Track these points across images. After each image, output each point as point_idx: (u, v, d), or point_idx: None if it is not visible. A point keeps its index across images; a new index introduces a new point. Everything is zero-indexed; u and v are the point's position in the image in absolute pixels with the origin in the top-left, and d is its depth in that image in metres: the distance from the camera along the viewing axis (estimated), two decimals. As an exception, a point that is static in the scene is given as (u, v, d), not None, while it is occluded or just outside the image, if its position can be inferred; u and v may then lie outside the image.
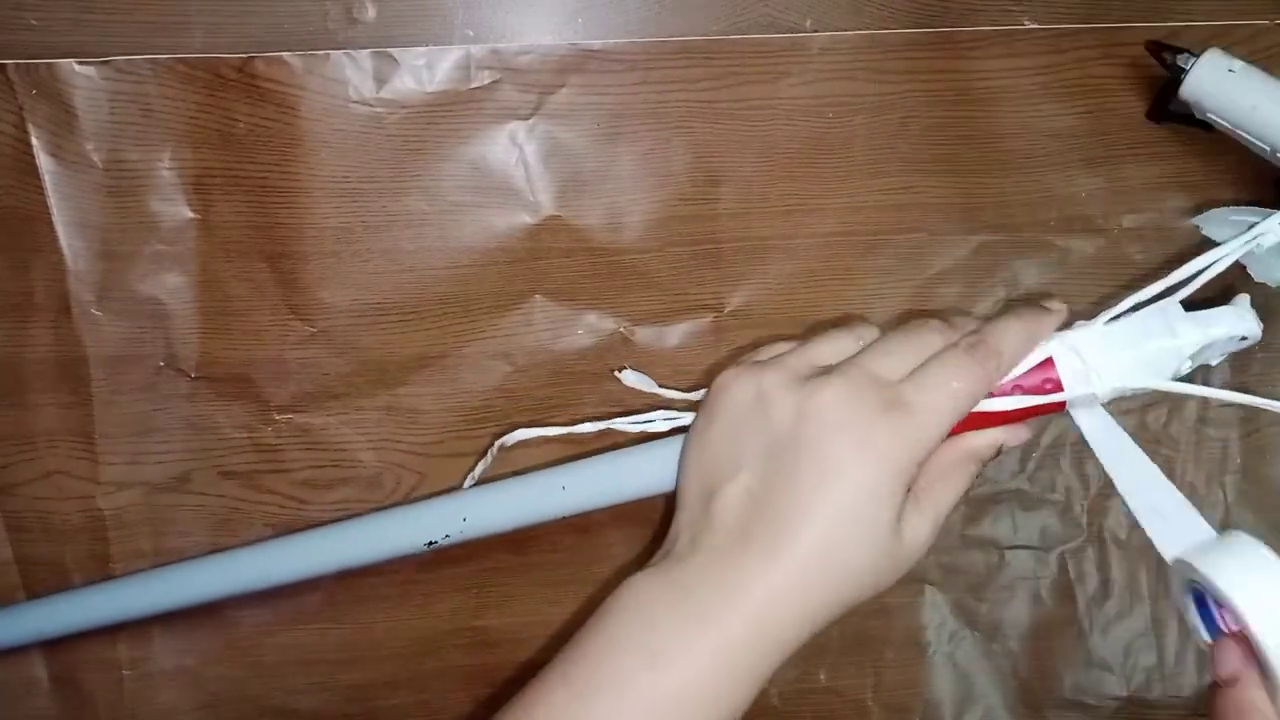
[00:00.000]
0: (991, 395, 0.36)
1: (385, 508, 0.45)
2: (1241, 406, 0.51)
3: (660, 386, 0.42)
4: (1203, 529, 0.34)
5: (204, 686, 0.49)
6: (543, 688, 0.33)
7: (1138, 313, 0.36)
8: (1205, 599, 0.33)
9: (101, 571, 0.48)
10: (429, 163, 0.44)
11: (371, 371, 0.47)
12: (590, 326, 0.47)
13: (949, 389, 0.34)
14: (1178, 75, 0.42)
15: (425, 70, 0.43)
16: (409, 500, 0.48)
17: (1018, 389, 0.36)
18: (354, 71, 0.43)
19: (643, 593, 0.33)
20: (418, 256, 0.45)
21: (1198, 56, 0.41)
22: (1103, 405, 0.36)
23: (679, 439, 0.39)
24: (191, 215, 0.44)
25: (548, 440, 0.45)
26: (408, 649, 0.50)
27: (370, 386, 0.47)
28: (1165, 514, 0.35)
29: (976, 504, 0.51)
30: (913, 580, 0.51)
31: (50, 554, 0.47)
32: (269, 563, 0.44)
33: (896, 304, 0.48)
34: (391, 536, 0.43)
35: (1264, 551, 0.31)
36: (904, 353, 0.35)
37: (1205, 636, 0.34)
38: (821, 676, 0.51)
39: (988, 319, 0.37)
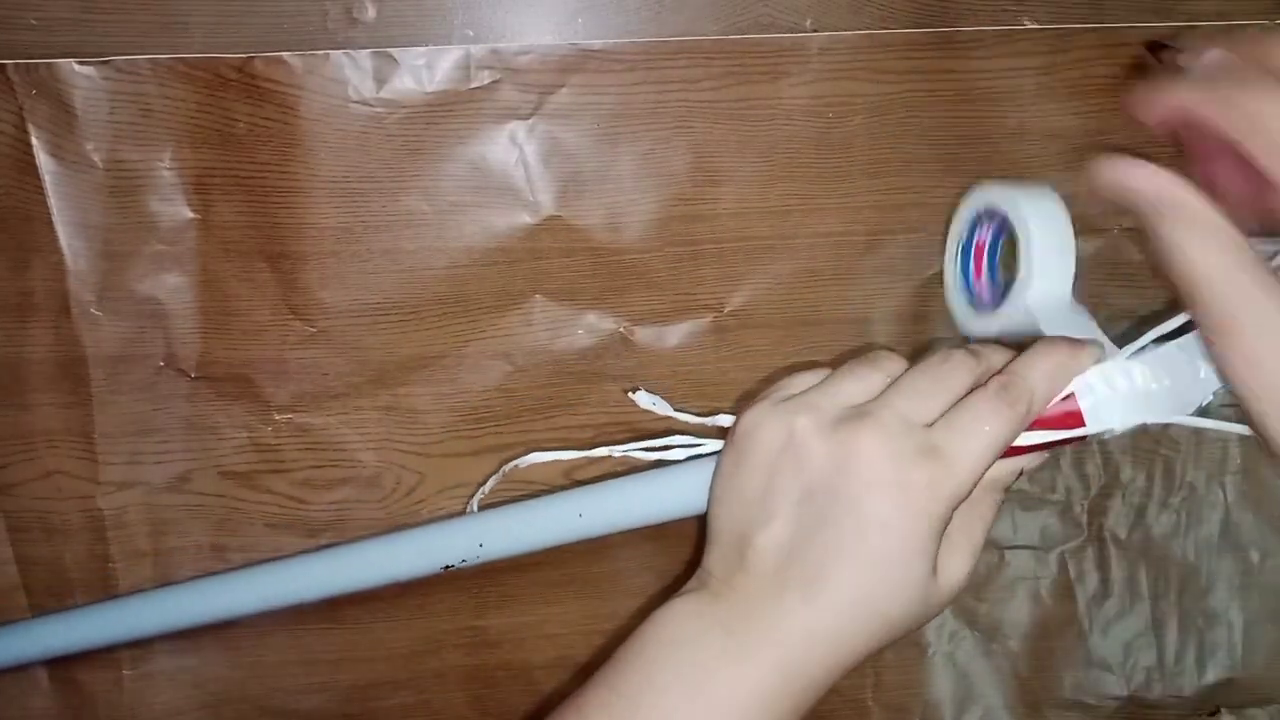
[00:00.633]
0: None
1: (400, 529, 0.44)
2: (1241, 405, 0.51)
3: (675, 410, 0.42)
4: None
5: (204, 686, 0.49)
6: (584, 713, 0.33)
7: (1162, 347, 0.35)
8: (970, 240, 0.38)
9: (101, 571, 0.48)
10: (429, 163, 0.44)
11: (371, 371, 0.47)
12: (590, 326, 0.47)
13: (982, 434, 0.34)
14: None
15: (425, 70, 0.43)
16: (419, 516, 0.48)
17: (1039, 423, 0.35)
18: (354, 71, 0.43)
19: (682, 627, 0.34)
20: (418, 256, 0.45)
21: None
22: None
23: (696, 465, 0.39)
24: (191, 215, 0.44)
25: (561, 462, 0.45)
26: (408, 649, 0.50)
27: (370, 386, 0.47)
28: None
29: (976, 504, 0.51)
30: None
31: (50, 554, 0.47)
32: (284, 584, 0.44)
33: (896, 304, 0.48)
34: (408, 560, 0.43)
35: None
36: (934, 393, 0.35)
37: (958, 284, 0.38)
38: (821, 676, 0.51)
39: (1018, 350, 0.36)
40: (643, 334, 0.47)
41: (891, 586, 0.33)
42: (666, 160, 0.45)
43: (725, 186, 0.46)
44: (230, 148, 0.44)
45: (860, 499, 0.32)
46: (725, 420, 0.40)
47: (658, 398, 0.41)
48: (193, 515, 0.47)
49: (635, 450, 0.40)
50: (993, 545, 0.51)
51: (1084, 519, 0.51)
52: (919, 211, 0.47)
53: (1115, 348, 0.35)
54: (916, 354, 0.36)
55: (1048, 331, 0.36)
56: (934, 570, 0.33)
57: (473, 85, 0.44)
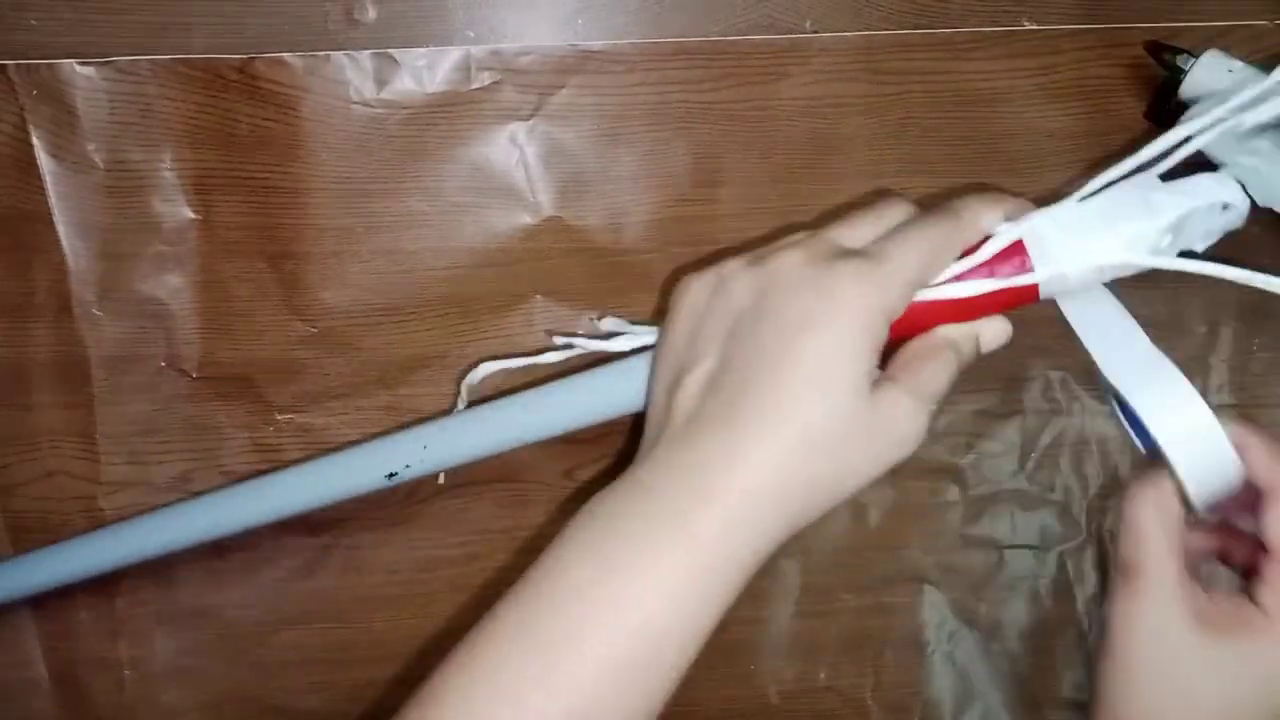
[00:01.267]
0: (961, 280, 0.34)
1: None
2: (1241, 408, 0.51)
3: (632, 324, 0.41)
4: (1145, 348, 0.34)
5: (205, 686, 0.49)
6: (493, 613, 0.31)
7: (1112, 188, 0.33)
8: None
9: (102, 571, 0.48)
10: (429, 163, 0.44)
11: (372, 371, 0.47)
12: (590, 327, 0.47)
13: (915, 243, 0.32)
14: (1177, 76, 0.42)
15: (426, 71, 0.43)
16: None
17: (990, 272, 0.33)
18: (355, 72, 0.43)
19: (602, 502, 0.31)
20: (418, 257, 0.45)
21: (1197, 57, 0.41)
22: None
23: (640, 357, 0.38)
24: (193, 216, 0.45)
25: (512, 373, 0.44)
26: (408, 649, 0.50)
27: (371, 386, 0.47)
28: (1117, 347, 0.34)
29: (976, 504, 0.51)
30: (912, 580, 0.51)
31: (51, 554, 0.47)
32: (237, 506, 0.43)
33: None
34: (353, 471, 0.42)
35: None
36: (866, 222, 0.33)
37: (1134, 437, 0.36)
38: (821, 676, 0.51)
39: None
40: (643, 334, 0.47)
41: (816, 395, 0.30)
42: (666, 160, 0.45)
43: (725, 186, 0.46)
44: (231, 148, 0.44)
45: (780, 305, 0.30)
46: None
47: (621, 320, 0.41)
48: (194, 515, 0.47)
49: (582, 343, 0.40)
50: (992, 545, 0.51)
51: (1083, 519, 0.51)
52: (919, 212, 0.47)
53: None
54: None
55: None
56: (872, 395, 0.30)
57: (473, 86, 0.44)
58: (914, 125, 0.46)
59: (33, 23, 0.42)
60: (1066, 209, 0.34)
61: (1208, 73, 0.41)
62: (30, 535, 0.47)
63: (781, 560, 0.50)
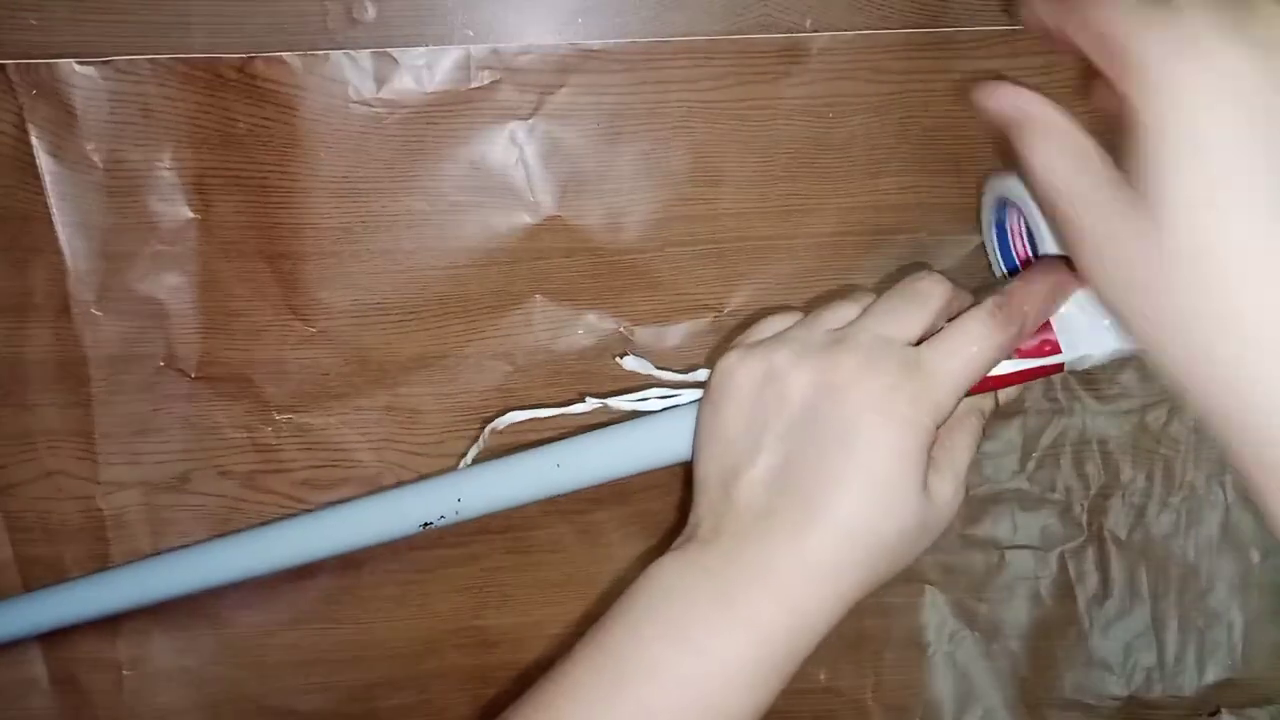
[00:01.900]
0: None
1: (378, 490, 0.45)
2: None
3: (658, 369, 0.42)
4: None
5: (204, 686, 0.49)
6: (568, 676, 0.32)
7: None
8: (1005, 229, 0.39)
9: (101, 571, 0.47)
10: (429, 163, 0.44)
11: (371, 371, 0.47)
12: (590, 327, 0.47)
13: (968, 354, 0.33)
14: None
15: (425, 70, 0.43)
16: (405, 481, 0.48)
17: (1016, 352, 0.35)
18: (354, 72, 0.43)
19: (669, 579, 0.33)
20: (418, 256, 0.45)
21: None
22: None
23: (673, 413, 0.39)
24: (191, 215, 0.44)
25: (540, 422, 0.44)
26: (408, 649, 0.50)
27: (370, 386, 0.47)
28: None
29: (976, 504, 0.51)
30: (913, 580, 0.51)
31: (50, 554, 0.47)
32: (265, 550, 0.44)
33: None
34: (386, 519, 0.43)
35: None
36: (909, 311, 0.34)
37: (999, 260, 0.40)
38: (821, 676, 0.51)
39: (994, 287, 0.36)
40: (643, 334, 0.47)
41: (884, 505, 0.32)
42: (666, 160, 0.45)
43: (725, 186, 0.46)
44: (230, 148, 0.44)
45: (844, 418, 0.32)
46: (704, 375, 0.40)
47: (643, 360, 0.41)
48: (193, 515, 0.47)
49: (615, 403, 0.40)
50: (992, 545, 0.51)
51: (1084, 519, 0.51)
52: (919, 211, 0.47)
53: None
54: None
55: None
56: (925, 491, 0.32)
57: (473, 85, 0.44)
58: (914, 125, 0.46)
59: (32, 22, 0.42)
60: (1091, 292, 0.34)
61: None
62: (28, 535, 0.47)
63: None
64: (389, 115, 0.44)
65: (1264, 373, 0.26)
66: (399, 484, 0.48)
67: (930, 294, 0.35)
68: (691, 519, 0.35)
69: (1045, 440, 0.51)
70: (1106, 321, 0.35)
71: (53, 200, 0.44)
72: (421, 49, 0.43)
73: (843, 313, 0.35)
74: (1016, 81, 0.32)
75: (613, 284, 0.47)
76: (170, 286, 0.45)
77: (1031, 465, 0.51)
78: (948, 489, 0.34)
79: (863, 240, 0.47)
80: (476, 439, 0.45)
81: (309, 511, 0.45)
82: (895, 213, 0.47)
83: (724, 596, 0.32)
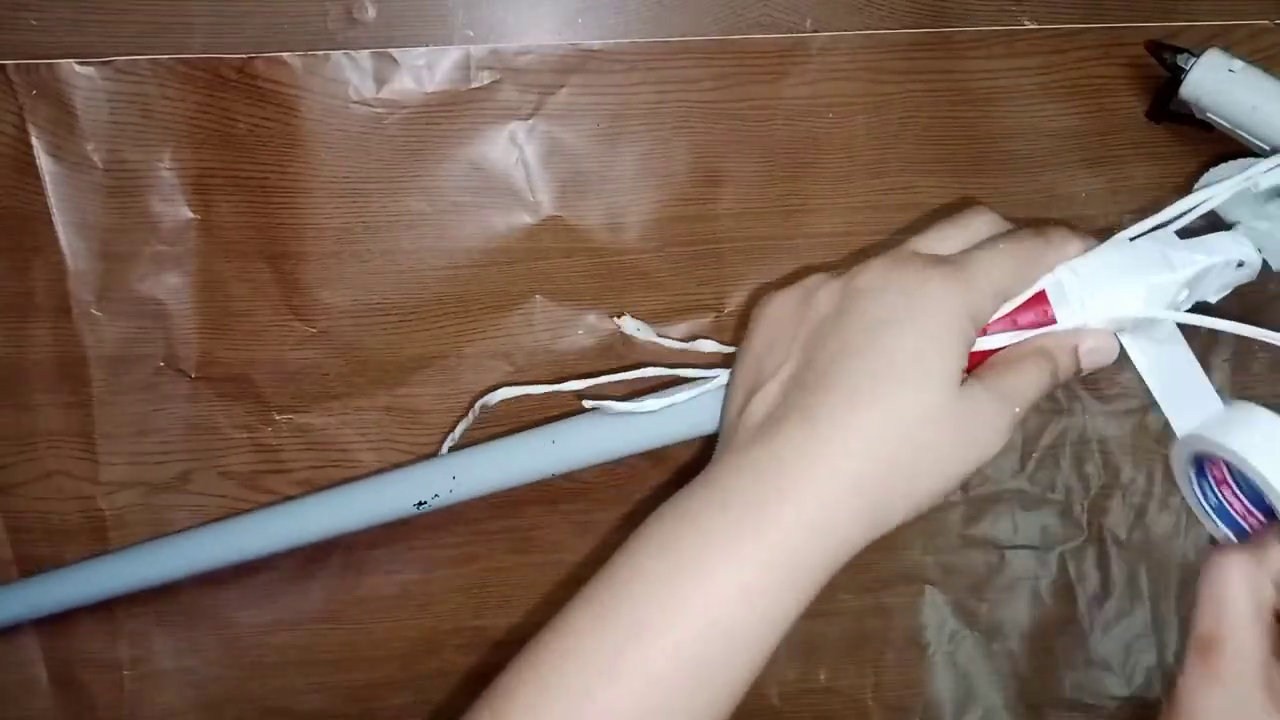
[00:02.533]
0: (984, 333, 0.33)
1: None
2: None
3: (658, 335, 0.41)
4: (1214, 403, 0.33)
5: (204, 686, 0.49)
6: (564, 610, 0.29)
7: (1131, 243, 0.34)
8: (1205, 474, 0.33)
9: (102, 572, 0.48)
10: (429, 163, 0.44)
11: (371, 371, 0.47)
12: (590, 327, 0.47)
13: (1004, 254, 0.31)
14: (1178, 75, 0.42)
15: (425, 70, 0.43)
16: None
17: (1013, 324, 0.34)
18: (354, 72, 0.43)
19: (675, 501, 0.29)
20: (418, 257, 0.45)
21: (1198, 56, 0.41)
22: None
23: (667, 394, 0.38)
24: (191, 215, 0.44)
25: (532, 399, 0.43)
26: (408, 649, 0.50)
27: (370, 386, 0.47)
28: (1182, 392, 0.33)
29: (976, 504, 0.51)
30: (913, 580, 0.51)
31: (50, 554, 0.47)
32: (261, 531, 0.44)
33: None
34: (382, 499, 0.42)
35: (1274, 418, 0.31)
36: (950, 234, 0.33)
37: (1215, 520, 0.34)
38: (821, 676, 0.51)
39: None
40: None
41: (904, 384, 0.28)
42: (666, 160, 0.45)
43: (725, 186, 0.46)
44: (231, 148, 0.44)
45: (867, 306, 0.30)
46: (706, 345, 0.39)
47: (642, 323, 0.41)
48: (193, 515, 0.47)
49: (608, 381, 0.39)
50: (993, 545, 0.51)
51: (1084, 519, 0.51)
52: (919, 211, 0.47)
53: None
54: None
55: None
56: (957, 386, 0.29)
57: (473, 85, 0.44)
58: (914, 125, 0.46)
59: (33, 22, 0.42)
60: (1087, 262, 0.34)
61: (1208, 72, 0.41)
62: (29, 535, 0.47)
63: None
64: (389, 115, 0.44)
65: None
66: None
67: (972, 221, 0.33)
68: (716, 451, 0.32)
69: (1045, 440, 0.51)
70: (1100, 288, 0.34)
71: (53, 200, 0.44)
72: (421, 49, 0.43)
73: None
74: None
75: (613, 284, 0.47)
76: (170, 286, 0.45)
77: (1031, 465, 0.51)
78: (988, 404, 0.30)
79: (862, 240, 0.47)
80: (466, 414, 0.44)
81: (305, 495, 0.45)
82: (895, 213, 0.47)
83: (732, 519, 0.28)
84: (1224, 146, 0.44)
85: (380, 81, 0.43)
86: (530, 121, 0.44)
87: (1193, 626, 0.31)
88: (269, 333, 0.46)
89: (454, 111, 0.44)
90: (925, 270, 0.30)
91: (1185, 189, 0.47)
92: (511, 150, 0.44)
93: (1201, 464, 0.34)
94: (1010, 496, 0.51)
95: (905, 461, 0.28)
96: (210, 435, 0.47)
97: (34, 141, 0.43)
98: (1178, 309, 0.34)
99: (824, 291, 0.32)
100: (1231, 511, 0.34)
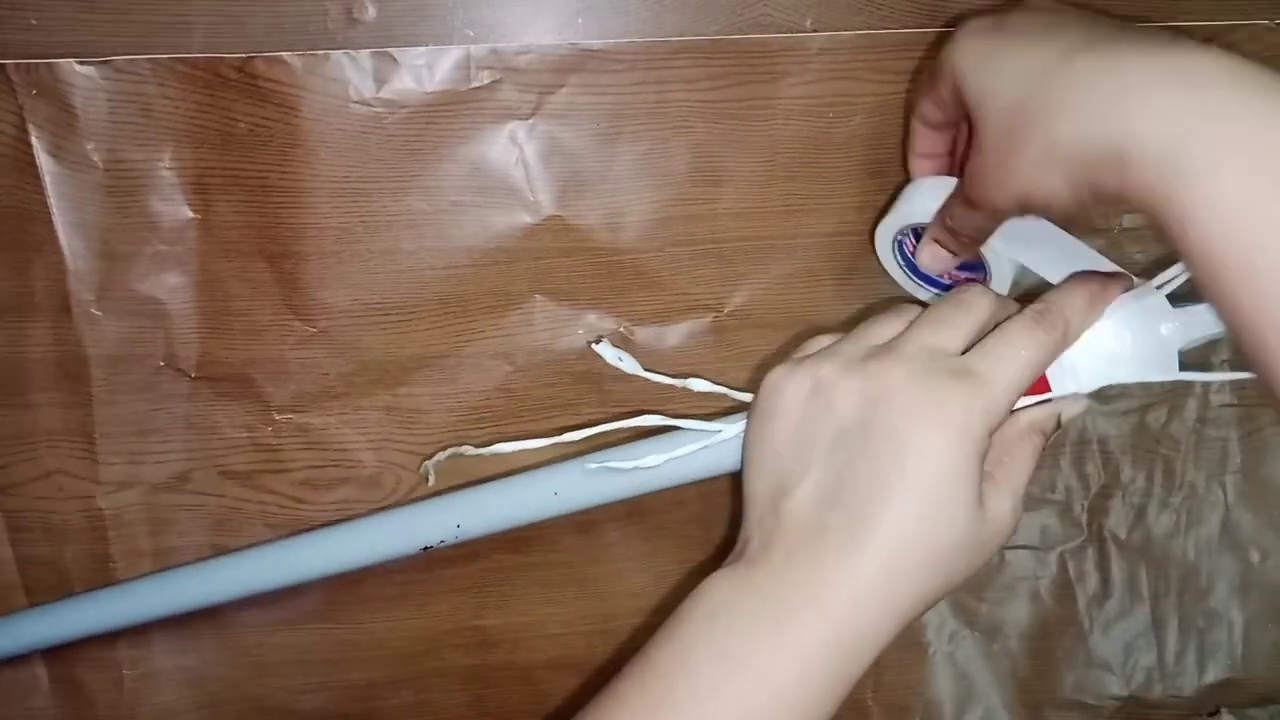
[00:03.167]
0: None
1: (381, 510, 0.45)
2: (1241, 406, 0.51)
3: (645, 371, 0.41)
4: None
5: (204, 686, 0.49)
6: (616, 698, 0.32)
7: (1122, 310, 0.35)
8: (904, 252, 0.42)
9: (101, 571, 0.48)
10: (429, 163, 0.44)
11: (371, 371, 0.47)
12: (590, 326, 0.47)
13: (1018, 358, 0.33)
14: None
15: (425, 70, 0.43)
16: (407, 501, 0.48)
17: None
18: (354, 71, 0.43)
19: (717, 597, 0.32)
20: (418, 256, 0.45)
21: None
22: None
23: (668, 436, 0.39)
24: (191, 215, 0.44)
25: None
26: (408, 649, 0.50)
27: (370, 386, 0.47)
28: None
29: (976, 504, 0.51)
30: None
31: (50, 554, 0.47)
32: (266, 567, 0.45)
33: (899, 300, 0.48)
34: (388, 540, 0.44)
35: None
36: (957, 322, 0.34)
37: (924, 287, 0.43)
38: (821, 676, 0.51)
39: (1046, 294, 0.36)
40: (643, 334, 0.47)
41: (936, 515, 0.31)
42: (666, 160, 0.45)
43: (725, 186, 0.46)
44: (230, 148, 0.44)
45: (893, 427, 0.31)
46: (698, 385, 0.40)
47: (623, 353, 0.41)
48: (193, 515, 0.47)
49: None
50: (993, 545, 0.51)
51: (1084, 519, 0.51)
52: (919, 211, 0.47)
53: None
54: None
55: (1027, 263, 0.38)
56: (979, 503, 0.32)
57: (473, 85, 0.44)
58: (914, 125, 0.46)
59: (32, 22, 0.42)
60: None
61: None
62: (29, 534, 0.47)
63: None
64: (389, 115, 0.44)
65: None
66: (405, 500, 0.48)
67: (975, 304, 0.35)
68: (741, 535, 0.34)
69: (1045, 440, 0.51)
70: (1094, 354, 0.35)
71: (53, 200, 0.44)
72: (421, 49, 0.43)
73: (888, 327, 0.35)
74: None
75: (613, 284, 0.47)
76: (170, 286, 0.45)
77: (1031, 465, 0.51)
78: (1004, 505, 0.33)
79: (863, 240, 0.47)
80: (445, 449, 0.44)
81: (311, 530, 0.45)
82: (895, 213, 0.47)
83: (773, 615, 0.31)
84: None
85: (380, 81, 0.43)
86: (530, 121, 0.44)
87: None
88: (269, 332, 0.46)
89: (454, 111, 0.44)
90: (947, 389, 0.32)
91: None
92: (511, 150, 0.45)
93: (901, 245, 0.42)
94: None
95: (934, 582, 0.32)
96: (210, 435, 0.47)
97: (34, 141, 0.43)
98: (1168, 371, 0.36)
99: (842, 391, 0.33)
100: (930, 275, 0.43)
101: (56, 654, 0.48)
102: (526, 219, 0.45)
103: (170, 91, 0.43)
